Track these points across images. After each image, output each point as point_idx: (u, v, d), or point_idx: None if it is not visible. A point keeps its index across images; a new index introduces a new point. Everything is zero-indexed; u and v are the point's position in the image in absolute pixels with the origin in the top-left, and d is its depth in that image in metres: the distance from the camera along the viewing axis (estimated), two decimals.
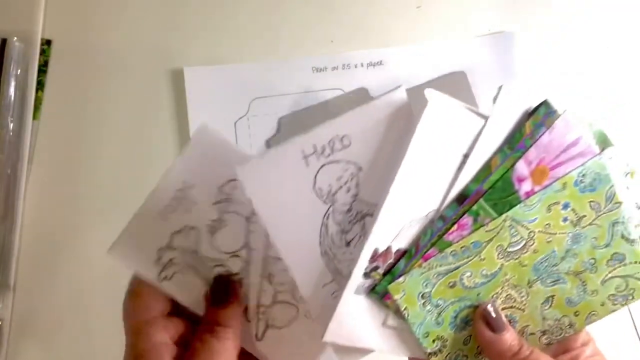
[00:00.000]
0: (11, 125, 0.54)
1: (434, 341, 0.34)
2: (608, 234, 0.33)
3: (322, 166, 0.32)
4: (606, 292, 0.34)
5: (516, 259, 0.33)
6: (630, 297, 0.34)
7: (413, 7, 0.58)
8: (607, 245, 0.33)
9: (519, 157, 0.32)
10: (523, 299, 0.34)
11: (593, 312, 0.34)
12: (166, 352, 0.32)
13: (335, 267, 0.32)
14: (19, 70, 0.55)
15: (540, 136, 0.32)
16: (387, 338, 0.33)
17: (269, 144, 0.54)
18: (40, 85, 0.56)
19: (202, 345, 0.32)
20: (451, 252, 0.32)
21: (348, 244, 0.32)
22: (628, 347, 0.52)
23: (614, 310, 0.34)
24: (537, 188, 0.32)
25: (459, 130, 0.32)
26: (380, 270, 0.32)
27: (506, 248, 0.33)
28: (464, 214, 0.32)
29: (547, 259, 0.33)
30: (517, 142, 0.32)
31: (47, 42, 0.57)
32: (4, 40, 0.55)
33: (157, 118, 0.56)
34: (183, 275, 0.34)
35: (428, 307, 0.33)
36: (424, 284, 0.33)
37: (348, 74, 0.56)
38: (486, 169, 0.32)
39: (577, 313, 0.34)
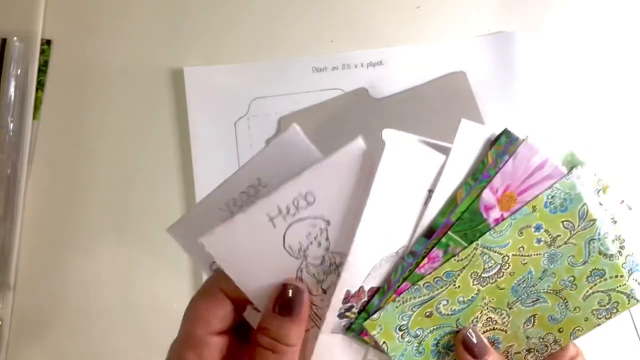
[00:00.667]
0: (11, 125, 0.54)
1: None
2: (585, 251, 0.33)
3: (289, 226, 0.32)
4: (589, 307, 0.34)
5: (492, 283, 0.33)
6: (615, 310, 0.34)
7: (413, 7, 0.58)
8: (585, 262, 0.33)
9: (484, 187, 0.32)
10: (504, 320, 0.34)
11: (577, 328, 0.34)
12: None
13: (315, 313, 0.33)
14: (19, 70, 0.55)
15: (503, 164, 0.32)
16: None
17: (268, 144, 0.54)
18: (40, 85, 0.56)
19: None
20: (424, 284, 0.33)
21: (325, 291, 0.33)
22: (628, 347, 0.52)
23: (599, 324, 0.34)
24: (506, 214, 0.32)
25: (421, 167, 0.32)
26: (355, 310, 0.33)
27: (481, 274, 0.33)
28: (433, 247, 0.32)
29: (524, 280, 0.33)
30: (480, 172, 0.32)
31: (47, 42, 0.57)
32: (4, 40, 0.56)
33: (157, 118, 0.56)
34: None
35: (407, 339, 0.34)
36: (400, 317, 0.33)
37: (348, 74, 0.56)
38: (452, 201, 0.32)
39: (560, 329, 0.34)
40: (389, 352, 0.33)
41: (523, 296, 0.34)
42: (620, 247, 0.33)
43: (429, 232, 0.32)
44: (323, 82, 0.56)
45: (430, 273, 0.33)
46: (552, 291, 0.34)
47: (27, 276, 0.53)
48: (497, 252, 0.33)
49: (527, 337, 0.34)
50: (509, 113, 0.55)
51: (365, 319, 0.33)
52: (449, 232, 0.32)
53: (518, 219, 0.32)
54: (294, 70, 0.56)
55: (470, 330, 0.33)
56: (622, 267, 0.33)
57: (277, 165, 0.33)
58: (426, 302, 0.33)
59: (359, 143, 0.32)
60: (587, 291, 0.33)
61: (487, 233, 0.32)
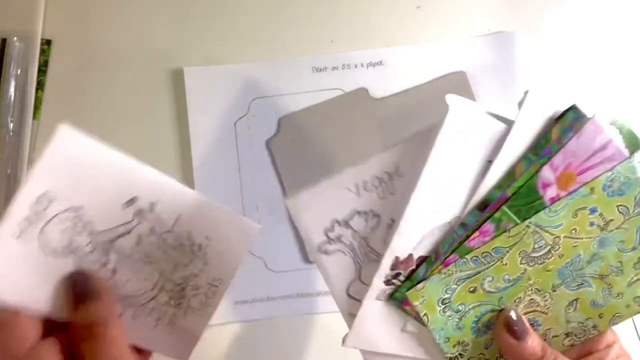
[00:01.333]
0: (11, 125, 0.54)
1: (454, 346, 0.34)
2: (636, 237, 0.33)
3: (39, 233, 0.30)
4: (632, 294, 0.33)
5: (540, 264, 0.33)
6: None
7: (413, 7, 0.58)
8: (634, 249, 0.33)
9: (545, 163, 0.31)
10: (547, 302, 0.34)
11: (617, 314, 0.34)
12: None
13: (120, 295, 0.32)
14: (19, 70, 0.55)
15: (567, 141, 0.31)
16: (406, 343, 0.34)
17: (268, 144, 0.54)
18: (40, 85, 0.56)
19: (88, 354, 0.29)
20: (472, 257, 0.32)
21: (114, 271, 0.32)
22: (628, 347, 0.51)
23: (638, 312, 0.34)
24: (562, 193, 0.32)
25: (481, 136, 0.32)
26: (402, 277, 0.32)
27: (530, 253, 0.32)
28: (485, 220, 0.31)
29: (572, 264, 0.33)
30: (542, 148, 0.31)
31: (47, 42, 0.57)
32: (4, 40, 0.55)
33: (157, 118, 0.56)
34: (342, 257, 0.33)
35: (448, 313, 0.33)
36: (444, 290, 0.33)
37: (348, 74, 0.56)
38: (510, 175, 0.31)
39: (601, 315, 0.34)
40: (429, 325, 0.33)
41: (569, 279, 0.33)
42: None
43: (483, 205, 0.31)
44: (323, 82, 0.56)
45: (479, 247, 0.32)
46: (598, 276, 0.33)
47: None
48: (549, 232, 0.32)
49: (567, 321, 0.34)
50: (509, 113, 0.54)
51: (409, 289, 0.32)
52: (503, 207, 0.31)
53: (575, 200, 0.32)
54: (294, 70, 0.56)
55: (513, 311, 0.33)
56: None
57: (418, 157, 0.32)
58: (472, 276, 0.32)
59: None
60: (632, 278, 0.33)
61: (542, 212, 0.31)
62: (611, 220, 0.32)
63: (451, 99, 0.31)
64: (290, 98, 0.56)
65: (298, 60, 0.56)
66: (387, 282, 0.32)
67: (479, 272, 0.32)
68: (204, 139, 0.55)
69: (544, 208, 0.32)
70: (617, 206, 0.32)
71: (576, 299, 0.34)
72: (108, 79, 0.56)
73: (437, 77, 0.56)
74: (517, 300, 0.33)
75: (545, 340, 0.34)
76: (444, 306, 0.33)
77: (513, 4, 0.58)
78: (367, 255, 0.33)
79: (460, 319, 0.33)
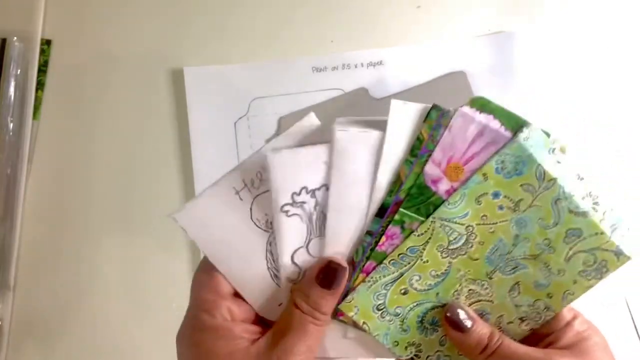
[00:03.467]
0: (11, 125, 0.54)
1: (406, 348, 0.34)
2: (553, 211, 0.32)
3: (254, 198, 0.34)
4: (574, 269, 0.33)
5: (463, 254, 0.33)
6: (605, 269, 0.33)
7: (413, 7, 0.58)
8: (556, 224, 0.32)
9: (426, 162, 0.32)
10: (487, 291, 0.34)
11: (567, 291, 0.33)
12: (235, 327, 0.32)
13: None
14: (19, 70, 0.55)
15: (440, 137, 0.32)
16: (353, 348, 0.34)
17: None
18: (40, 85, 0.56)
19: (299, 323, 0.32)
20: (390, 261, 0.33)
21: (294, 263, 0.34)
22: (628, 347, 0.52)
23: (590, 286, 0.33)
24: (456, 185, 0.32)
25: (365, 147, 0.33)
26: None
27: (447, 246, 0.33)
28: (387, 225, 0.32)
29: (497, 249, 0.33)
30: (418, 148, 0.32)
31: (47, 42, 0.57)
32: (4, 40, 0.56)
33: (157, 118, 0.56)
34: (298, 222, 0.34)
35: (388, 317, 0.34)
36: (375, 297, 0.33)
37: (348, 74, 0.56)
38: (397, 180, 0.32)
39: (550, 295, 0.33)
40: (372, 332, 0.33)
41: (501, 264, 0.33)
42: (595, 204, 0.32)
43: (381, 211, 0.32)
44: (323, 82, 0.56)
45: (392, 250, 0.33)
46: (529, 256, 0.33)
47: (27, 276, 0.53)
48: (458, 223, 0.32)
49: (516, 306, 0.34)
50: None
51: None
52: (400, 209, 0.32)
53: (471, 188, 0.32)
54: (294, 70, 0.56)
55: (453, 305, 0.33)
56: (601, 223, 0.32)
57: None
58: (397, 279, 0.33)
59: (312, 118, 0.34)
60: (568, 252, 0.32)
61: (442, 205, 0.32)
62: (520, 200, 0.32)
63: (337, 126, 0.33)
64: (290, 98, 0.56)
65: (298, 60, 0.56)
66: None
67: (402, 274, 0.33)
68: (204, 139, 0.55)
69: (442, 202, 0.32)
70: (521, 185, 0.32)
71: (516, 283, 0.33)
72: (108, 79, 0.56)
73: (437, 77, 0.56)
74: (455, 293, 0.34)
75: (500, 328, 0.34)
76: (380, 312, 0.33)
77: (513, 4, 0.58)
78: (320, 229, 0.34)
79: (402, 321, 0.34)
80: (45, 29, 0.57)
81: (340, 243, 0.33)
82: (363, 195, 0.33)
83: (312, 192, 0.33)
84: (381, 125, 0.33)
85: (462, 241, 0.33)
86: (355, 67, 0.56)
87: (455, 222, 0.32)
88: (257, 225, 0.34)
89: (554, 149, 0.32)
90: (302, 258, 0.34)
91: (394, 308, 0.33)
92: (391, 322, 0.34)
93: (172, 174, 0.55)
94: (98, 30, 0.57)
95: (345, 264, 0.33)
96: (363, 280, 0.33)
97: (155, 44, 0.57)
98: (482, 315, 0.34)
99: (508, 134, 0.32)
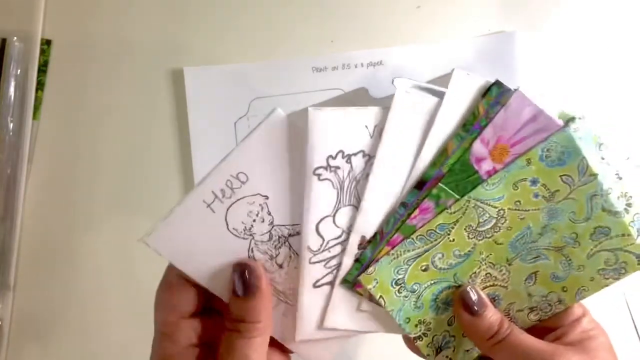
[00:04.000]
0: (11, 125, 0.54)
1: (416, 325, 0.34)
2: (587, 207, 0.32)
3: (228, 208, 0.32)
4: (594, 266, 0.33)
5: (489, 237, 0.33)
6: (623, 271, 0.33)
7: (413, 7, 0.58)
8: (587, 219, 0.32)
9: (475, 138, 0.31)
10: (504, 276, 0.33)
11: (583, 287, 0.33)
12: (191, 357, 0.32)
13: (276, 289, 0.33)
14: (19, 70, 0.55)
15: (495, 115, 0.31)
16: (363, 320, 0.34)
17: None
18: (40, 85, 0.56)
19: (227, 351, 0.31)
20: (417, 236, 0.32)
21: (280, 266, 0.33)
22: (628, 347, 0.52)
23: (606, 285, 0.33)
24: (499, 166, 0.32)
25: (420, 114, 0.32)
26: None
27: (476, 228, 0.32)
28: (424, 198, 0.32)
29: (523, 236, 0.33)
30: (471, 124, 0.31)
31: (47, 42, 0.57)
32: (4, 40, 0.55)
33: (157, 118, 0.56)
34: (329, 188, 0.33)
35: (404, 293, 0.33)
36: (396, 271, 0.33)
37: (348, 74, 0.56)
38: (443, 153, 0.32)
39: (565, 289, 0.33)
40: (387, 307, 0.33)
41: (523, 252, 0.33)
42: (627, 205, 0.32)
43: (420, 184, 0.32)
44: (323, 82, 0.56)
45: (422, 225, 0.32)
46: (553, 248, 0.33)
47: (27, 276, 0.53)
48: (492, 206, 0.32)
49: (529, 295, 0.34)
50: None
51: (358, 270, 0.32)
52: (440, 184, 0.32)
53: (512, 172, 0.31)
54: (294, 70, 0.56)
55: (469, 287, 0.33)
56: (630, 225, 0.32)
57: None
58: (421, 255, 0.33)
59: (278, 113, 0.33)
60: (592, 249, 0.32)
61: (480, 186, 0.31)
62: (557, 190, 0.32)
63: (397, 81, 0.32)
64: (290, 98, 0.56)
65: (298, 60, 0.56)
66: (357, 261, 0.33)
67: (427, 250, 0.32)
68: (204, 139, 0.55)
69: (481, 182, 0.32)
70: (560, 176, 0.32)
71: (535, 272, 0.33)
72: (108, 79, 0.56)
73: (437, 77, 0.56)
74: (472, 276, 0.33)
75: (509, 315, 0.34)
76: (398, 287, 0.33)
77: (513, 4, 0.58)
78: (350, 197, 0.32)
79: (417, 298, 0.33)
80: (45, 29, 0.57)
81: (374, 211, 0.32)
82: (408, 163, 0.32)
83: (348, 158, 0.32)
84: (440, 95, 0.32)
85: (491, 224, 0.32)
86: (355, 67, 0.56)
87: (489, 204, 0.32)
88: (235, 235, 0.33)
89: (601, 145, 0.32)
90: (328, 227, 0.32)
91: (411, 284, 0.33)
92: (406, 298, 0.33)
93: (172, 174, 0.55)
94: (98, 31, 0.57)
95: (251, 262, 0.32)
96: (387, 253, 0.32)
97: (155, 44, 0.57)
98: (493, 299, 0.34)
99: (560, 122, 0.31)
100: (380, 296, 0.33)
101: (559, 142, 0.31)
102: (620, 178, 0.32)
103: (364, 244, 0.32)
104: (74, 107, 0.56)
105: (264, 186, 0.32)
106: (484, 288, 0.34)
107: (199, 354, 0.32)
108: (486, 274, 0.33)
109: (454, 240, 0.32)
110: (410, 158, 0.32)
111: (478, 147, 0.31)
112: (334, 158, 0.32)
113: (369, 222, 0.32)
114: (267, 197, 0.32)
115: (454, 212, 0.32)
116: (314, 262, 0.32)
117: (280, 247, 0.33)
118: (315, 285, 0.33)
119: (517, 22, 0.57)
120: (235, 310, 0.31)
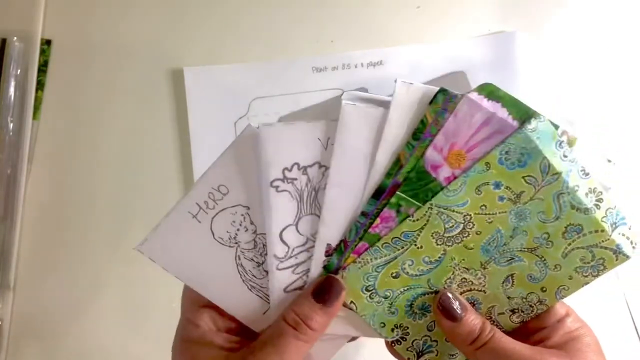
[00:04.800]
0: (11, 125, 0.54)
1: (392, 330, 0.34)
2: (555, 206, 0.31)
3: (212, 219, 0.34)
4: (571, 265, 0.32)
5: (459, 242, 0.32)
6: (602, 268, 0.32)
7: (413, 7, 0.58)
8: (557, 218, 0.32)
9: (427, 146, 0.31)
10: (480, 280, 0.33)
11: (562, 287, 0.33)
12: (216, 338, 0.33)
13: (265, 294, 0.35)
14: (19, 70, 0.55)
15: (444, 122, 0.31)
16: (340, 325, 0.34)
17: None
18: (40, 85, 0.56)
19: (277, 337, 0.31)
20: (383, 244, 0.32)
21: (267, 272, 0.34)
22: (628, 347, 0.52)
23: (587, 283, 0.33)
24: (457, 172, 0.31)
25: (368, 128, 0.33)
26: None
27: (443, 234, 0.32)
28: (383, 207, 0.32)
29: (494, 240, 0.32)
30: (421, 132, 0.31)
31: (47, 42, 0.57)
32: (4, 40, 0.56)
33: (157, 118, 0.56)
34: (289, 199, 0.34)
35: (376, 299, 0.33)
36: (365, 278, 0.33)
37: (348, 74, 0.56)
38: (396, 162, 0.32)
39: (543, 289, 0.33)
40: (359, 312, 0.33)
41: (496, 255, 0.33)
42: (598, 200, 0.32)
43: (377, 193, 0.32)
44: (323, 82, 0.56)
45: (386, 233, 0.32)
46: (526, 249, 0.32)
47: (27, 276, 0.53)
48: (456, 212, 0.32)
49: (509, 298, 0.33)
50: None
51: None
52: (398, 192, 0.32)
53: (471, 177, 0.31)
54: (294, 70, 0.56)
55: (448, 292, 0.33)
56: (602, 221, 0.31)
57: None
58: (389, 262, 0.33)
59: (251, 129, 0.34)
60: (566, 248, 0.32)
61: (441, 192, 0.31)
62: (522, 192, 0.31)
63: (345, 95, 0.33)
64: (290, 98, 0.56)
65: (298, 60, 0.56)
66: (324, 268, 0.33)
67: (395, 258, 0.33)
68: (204, 139, 0.55)
69: (441, 188, 0.31)
70: (523, 177, 0.31)
71: (511, 275, 0.33)
72: (108, 79, 0.56)
73: (437, 77, 0.56)
74: (447, 281, 0.33)
75: (490, 318, 0.34)
76: (369, 292, 0.33)
77: (513, 4, 0.58)
78: (311, 207, 0.34)
79: (391, 304, 0.33)
80: (45, 29, 0.57)
81: (336, 220, 0.33)
82: (362, 173, 0.33)
83: (304, 169, 0.33)
84: (388, 104, 0.32)
85: (459, 229, 0.32)
86: (355, 67, 0.56)
87: (453, 211, 0.32)
88: (221, 244, 0.34)
89: (561, 142, 0.31)
90: (291, 236, 0.33)
91: (383, 290, 0.33)
92: (379, 304, 0.33)
93: (172, 174, 0.55)
94: (98, 31, 0.57)
95: (343, 283, 0.33)
96: (354, 261, 0.33)
97: (155, 44, 0.57)
98: (473, 304, 0.34)
99: (515, 123, 0.31)
100: (352, 301, 0.33)
101: (517, 143, 0.31)
102: (587, 174, 0.32)
103: (330, 252, 0.33)
104: (74, 107, 0.56)
105: (244, 197, 0.34)
106: (462, 293, 0.34)
107: (220, 339, 0.33)
108: (462, 279, 0.33)
109: (421, 247, 0.33)
110: (364, 167, 0.33)
111: (432, 155, 0.31)
112: (290, 170, 0.33)
113: (332, 230, 0.33)
114: (248, 208, 0.34)
115: (417, 220, 0.32)
116: (282, 269, 0.34)
117: (266, 255, 0.34)
118: (285, 290, 0.34)
119: (517, 22, 0.57)
120: (305, 309, 0.32)
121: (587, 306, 0.36)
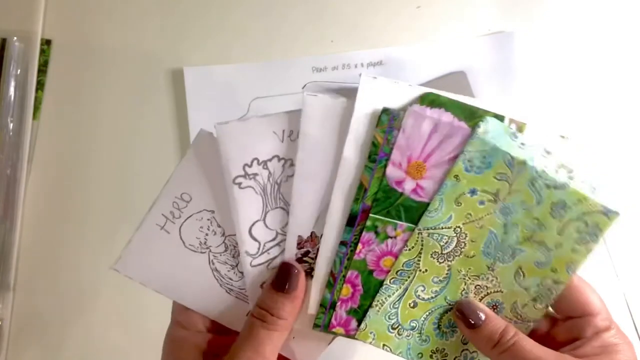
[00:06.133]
0: (11, 125, 0.54)
1: (431, 357, 0.34)
2: (532, 192, 0.32)
3: (180, 227, 0.35)
4: (570, 239, 0.33)
5: (459, 255, 0.33)
6: (599, 231, 0.32)
7: (413, 7, 0.58)
8: (539, 202, 0.32)
9: (386, 165, 0.32)
10: (493, 282, 0.34)
11: (569, 262, 0.33)
12: (202, 339, 0.34)
13: (244, 295, 0.35)
14: (19, 70, 0.55)
15: (395, 139, 0.32)
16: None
17: None
18: (40, 85, 0.56)
19: (249, 332, 0.32)
20: (390, 280, 0.33)
21: (242, 273, 0.35)
22: None
23: (590, 250, 0.33)
24: (422, 182, 0.32)
25: (332, 118, 0.33)
26: (312, 254, 0.34)
27: (441, 252, 0.33)
28: (360, 233, 0.32)
29: (490, 242, 0.33)
30: (375, 153, 0.32)
31: (47, 42, 0.57)
32: (4, 40, 0.56)
33: (157, 118, 0.56)
34: (253, 195, 0.35)
35: (405, 333, 0.34)
36: (387, 318, 0.33)
37: (348, 74, 0.56)
38: (360, 187, 0.32)
39: (554, 269, 0.33)
40: (394, 351, 0.34)
41: (498, 255, 0.33)
42: (569, 172, 0.32)
43: (350, 220, 0.32)
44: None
45: (371, 257, 0.33)
46: (523, 240, 0.33)
47: (27, 276, 0.53)
48: (445, 228, 0.32)
49: (526, 289, 0.34)
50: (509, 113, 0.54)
51: (324, 314, 0.33)
52: (371, 215, 0.32)
53: (446, 193, 0.32)
54: (294, 70, 0.56)
55: (462, 301, 0.33)
56: (581, 190, 0.32)
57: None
58: (402, 295, 0.33)
59: (203, 133, 0.34)
60: (559, 225, 0.33)
61: (424, 216, 0.32)
62: (498, 190, 0.32)
63: (308, 98, 0.33)
64: (290, 98, 0.56)
65: (298, 60, 0.56)
66: (299, 260, 0.34)
67: (406, 289, 0.33)
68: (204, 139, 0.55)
69: (412, 201, 0.32)
70: (494, 177, 0.32)
71: (519, 267, 0.33)
72: (108, 79, 0.56)
73: (437, 77, 0.56)
74: (463, 293, 0.34)
75: (517, 314, 0.34)
76: (396, 330, 0.34)
77: (513, 4, 0.58)
78: (276, 200, 0.34)
79: (420, 333, 0.34)
80: (45, 29, 0.57)
81: (305, 211, 0.33)
82: (328, 163, 0.33)
83: (264, 164, 0.33)
84: (352, 94, 0.33)
85: (454, 243, 0.33)
86: (355, 67, 0.56)
87: (442, 228, 0.32)
88: (193, 251, 0.35)
89: (514, 133, 0.32)
90: (260, 231, 0.34)
91: (408, 323, 0.34)
92: (409, 337, 0.34)
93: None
94: (98, 30, 0.57)
95: (297, 265, 0.33)
96: (370, 306, 0.33)
97: (155, 44, 0.57)
98: (495, 307, 0.34)
99: (462, 124, 0.32)
100: (384, 345, 0.34)
101: (475, 149, 0.32)
102: (549, 152, 0.32)
103: (301, 244, 0.33)
104: (74, 107, 0.56)
105: (207, 202, 0.34)
106: (481, 299, 0.34)
107: (207, 339, 0.34)
108: (476, 287, 0.34)
109: (426, 270, 0.33)
110: (330, 157, 0.33)
111: (392, 171, 0.32)
112: (250, 166, 0.34)
113: (302, 222, 0.33)
114: (213, 212, 0.34)
115: (412, 248, 0.33)
116: (256, 265, 0.34)
117: (238, 256, 0.34)
118: (262, 286, 0.34)
119: (517, 22, 0.57)
120: (268, 301, 0.33)
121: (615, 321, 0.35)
